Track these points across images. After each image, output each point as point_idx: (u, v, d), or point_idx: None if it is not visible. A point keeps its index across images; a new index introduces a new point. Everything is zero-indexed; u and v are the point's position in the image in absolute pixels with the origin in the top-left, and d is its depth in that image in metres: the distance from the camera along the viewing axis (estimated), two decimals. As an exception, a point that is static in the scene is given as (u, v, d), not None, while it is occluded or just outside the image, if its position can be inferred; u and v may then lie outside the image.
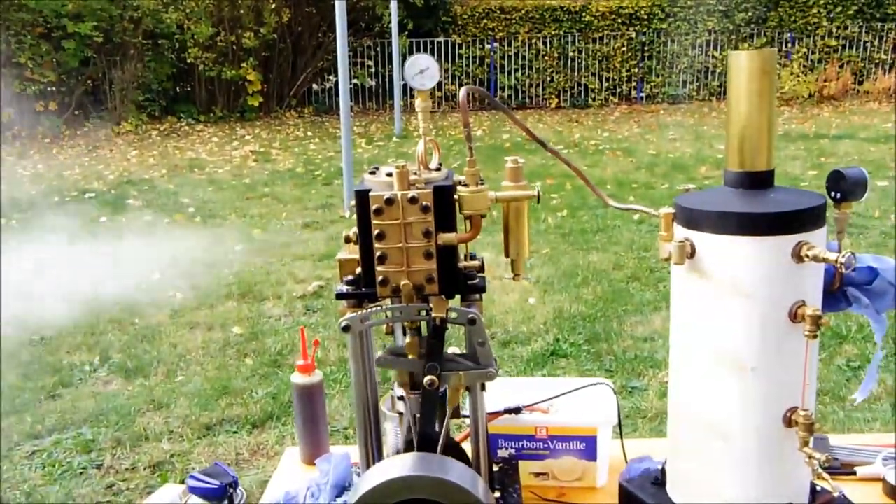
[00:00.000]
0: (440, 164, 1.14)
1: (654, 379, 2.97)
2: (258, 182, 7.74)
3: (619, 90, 13.21)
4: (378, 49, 13.07)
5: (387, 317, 1.13)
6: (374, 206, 1.06)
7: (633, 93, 13.24)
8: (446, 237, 1.08)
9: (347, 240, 1.15)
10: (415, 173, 1.08)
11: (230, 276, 4.62)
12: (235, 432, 2.66)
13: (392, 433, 1.32)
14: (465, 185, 1.07)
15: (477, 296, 1.14)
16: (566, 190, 6.56)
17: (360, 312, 1.11)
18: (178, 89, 12.80)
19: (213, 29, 11.90)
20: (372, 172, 1.15)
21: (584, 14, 13.02)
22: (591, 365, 3.14)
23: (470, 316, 1.09)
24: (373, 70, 13.25)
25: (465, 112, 1.03)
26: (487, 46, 13.06)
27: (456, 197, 1.08)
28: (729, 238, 1.02)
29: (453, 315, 1.09)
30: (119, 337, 3.65)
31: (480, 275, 1.17)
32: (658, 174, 7.36)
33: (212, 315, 3.94)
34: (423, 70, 1.07)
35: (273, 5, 12.14)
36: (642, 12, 13.05)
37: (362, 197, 1.08)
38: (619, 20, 13.05)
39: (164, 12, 12.00)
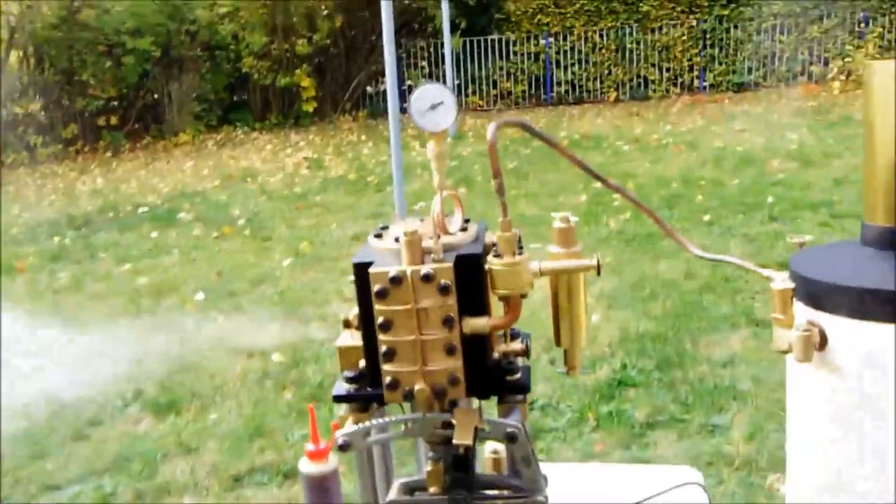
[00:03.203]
0: (467, 221, 0.86)
1: (739, 414, 2.62)
2: (309, 190, 7.59)
3: (680, 80, 12.63)
4: (431, 49, 12.84)
5: (400, 429, 0.86)
6: (375, 287, 0.79)
7: (696, 82, 12.64)
8: (474, 324, 0.80)
9: (347, 324, 0.88)
10: (431, 238, 0.80)
11: (275, 294, 4.43)
12: (265, 484, 2.44)
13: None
14: (498, 254, 0.79)
15: (519, 396, 0.86)
16: (628, 189, 6.16)
17: (362, 426, 0.84)
18: (234, 98, 12.85)
19: (267, 38, 11.88)
20: (378, 235, 0.88)
21: (641, 4, 12.47)
22: (665, 397, 2.80)
23: (509, 430, 0.81)
24: (426, 71, 13.03)
25: (495, 155, 0.75)
26: (542, 42, 12.67)
27: (487, 268, 0.80)
28: (881, 327, 0.71)
29: (486, 428, 0.81)
30: (156, 367, 3.49)
31: (523, 362, 0.89)
32: (726, 169, 6.89)
33: (253, 339, 3.75)
34: (435, 105, 0.79)
35: (326, 11, 12.04)
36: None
37: (361, 273, 0.81)
38: (679, 8, 12.46)
39: (220, 24, 12.04)
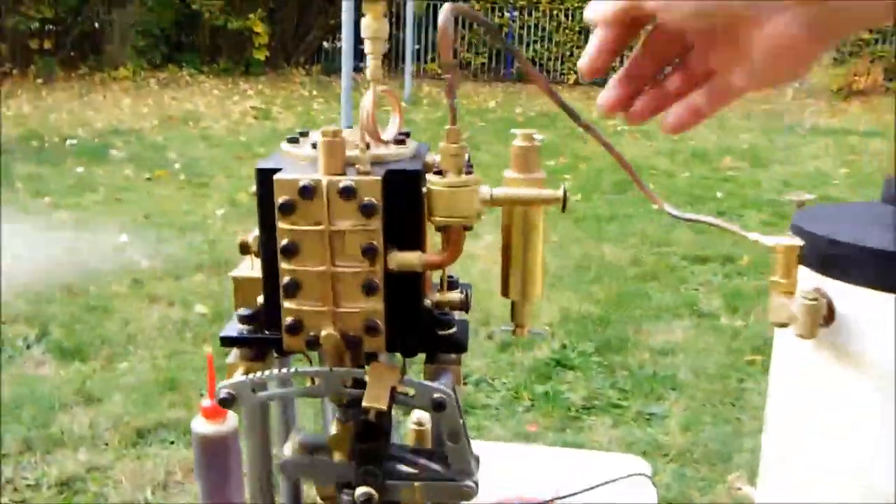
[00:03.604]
0: (406, 134, 0.69)
1: (676, 403, 2.53)
2: (254, 141, 7.27)
3: (641, 70, 12.60)
4: (393, 10, 12.48)
5: (302, 385, 0.68)
6: (280, 199, 0.61)
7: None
8: (403, 258, 0.63)
9: (244, 249, 0.70)
10: (359, 146, 0.63)
11: (205, 243, 4.18)
12: (172, 443, 2.24)
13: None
14: (440, 171, 0.62)
15: (453, 355, 0.70)
16: (579, 170, 6.09)
17: (249, 377, 0.66)
18: (181, 38, 12.24)
19: (221, -25, 11.34)
20: (293, 140, 0.70)
21: (610, -14, 12.36)
22: (603, 382, 2.70)
23: (436, 396, 0.64)
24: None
25: (448, 42, 0.57)
26: (507, 14, 12.46)
27: (425, 190, 0.63)
28: (905, 300, 0.57)
29: (408, 392, 0.65)
30: (66, 308, 3.22)
31: (461, 316, 0.73)
32: (679, 162, 6.87)
33: (176, 288, 3.51)
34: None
35: (286, -45, 11.57)
36: (672, -11, 12.37)
37: (265, 180, 0.63)
38: (648, -5, 12.39)
39: (171, -47, 11.44)
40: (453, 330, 0.68)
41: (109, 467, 2.10)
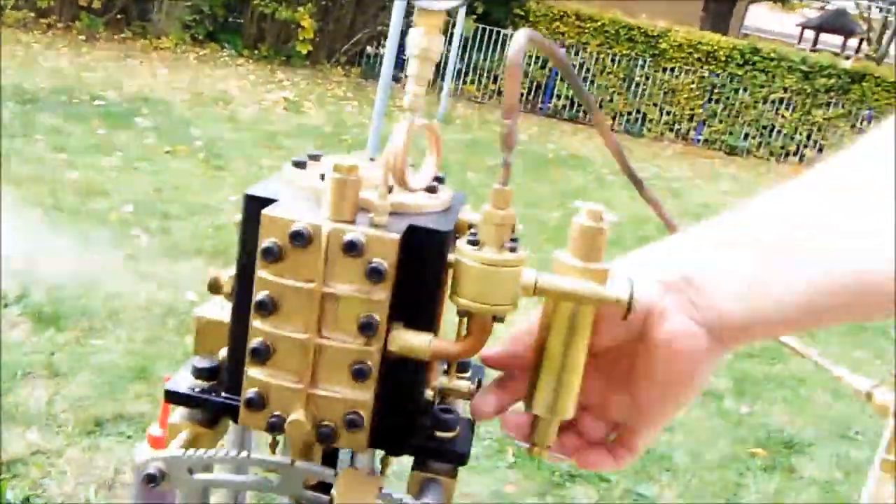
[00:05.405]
0: (439, 180, 0.55)
1: (668, 489, 2.37)
2: (280, 132, 7.19)
3: (677, 127, 12.51)
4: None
5: (251, 475, 0.54)
6: (265, 241, 0.47)
7: (692, 133, 12.54)
8: (408, 341, 0.49)
9: (215, 287, 0.56)
10: (378, 189, 0.49)
11: (210, 228, 4.06)
12: (129, 437, 2.09)
13: None
14: (476, 241, 0.48)
15: (447, 465, 0.55)
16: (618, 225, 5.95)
17: (191, 452, 0.52)
18: (228, 18, 12.24)
19: (278, -36, 11.35)
20: (300, 164, 0.56)
21: (660, 41, 12.30)
22: (593, 450, 2.54)
23: (418, 524, 0.50)
24: (431, 46, 12.65)
25: (517, 78, 0.44)
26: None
27: (451, 260, 0.49)
28: None
29: (383, 509, 0.51)
30: (52, 271, 3.09)
31: (466, 411, 0.59)
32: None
33: (170, 270, 3.38)
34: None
35: (345, -46, 11.57)
36: (721, 53, 12.30)
37: (252, 213, 0.49)
38: (695, 56, 12.32)
39: (231, -66, 11.46)
40: (454, 434, 0.54)
41: (57, 454, 1.96)
